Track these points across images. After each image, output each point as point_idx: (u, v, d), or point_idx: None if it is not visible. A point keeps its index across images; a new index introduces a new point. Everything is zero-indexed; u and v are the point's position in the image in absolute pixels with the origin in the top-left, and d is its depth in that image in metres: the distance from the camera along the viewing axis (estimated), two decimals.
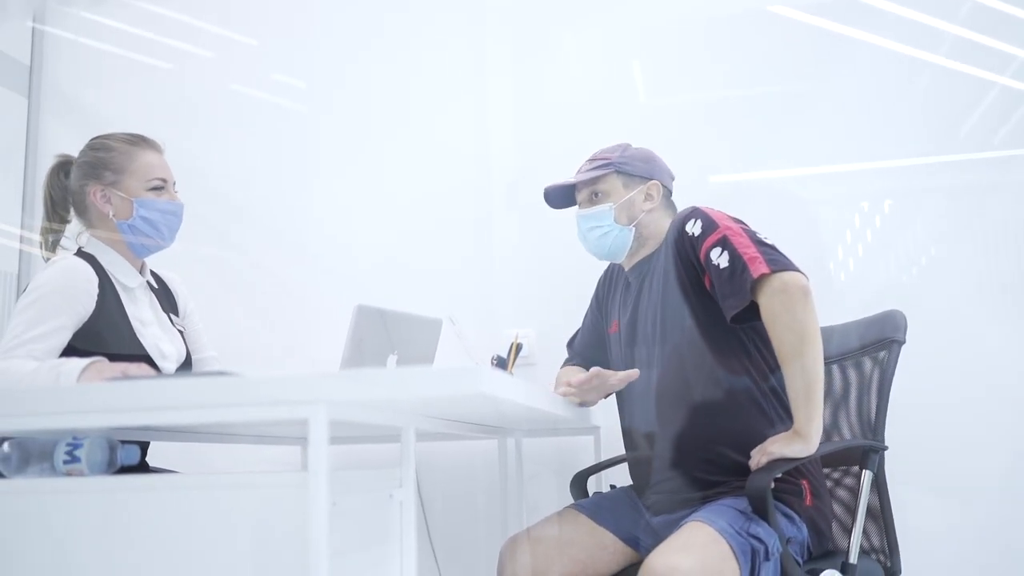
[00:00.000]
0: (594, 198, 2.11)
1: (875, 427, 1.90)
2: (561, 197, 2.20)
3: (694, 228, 1.90)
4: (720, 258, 1.82)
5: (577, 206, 2.17)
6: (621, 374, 1.98)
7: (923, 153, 2.69)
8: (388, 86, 3.01)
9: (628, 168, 2.10)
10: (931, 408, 2.48)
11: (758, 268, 1.76)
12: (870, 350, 1.98)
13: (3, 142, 3.11)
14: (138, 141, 2.06)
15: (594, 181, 2.11)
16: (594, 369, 1.97)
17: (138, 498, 1.24)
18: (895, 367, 1.90)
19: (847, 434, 2.01)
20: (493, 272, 2.83)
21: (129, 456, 1.47)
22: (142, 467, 1.99)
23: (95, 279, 1.93)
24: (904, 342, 1.91)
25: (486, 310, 2.76)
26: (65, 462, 1.42)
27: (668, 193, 2.15)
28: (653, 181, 2.10)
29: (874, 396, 1.93)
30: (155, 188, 2.03)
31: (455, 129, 2.94)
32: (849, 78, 2.72)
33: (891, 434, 1.90)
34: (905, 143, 2.70)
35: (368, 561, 1.36)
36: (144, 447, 2.03)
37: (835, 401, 2.06)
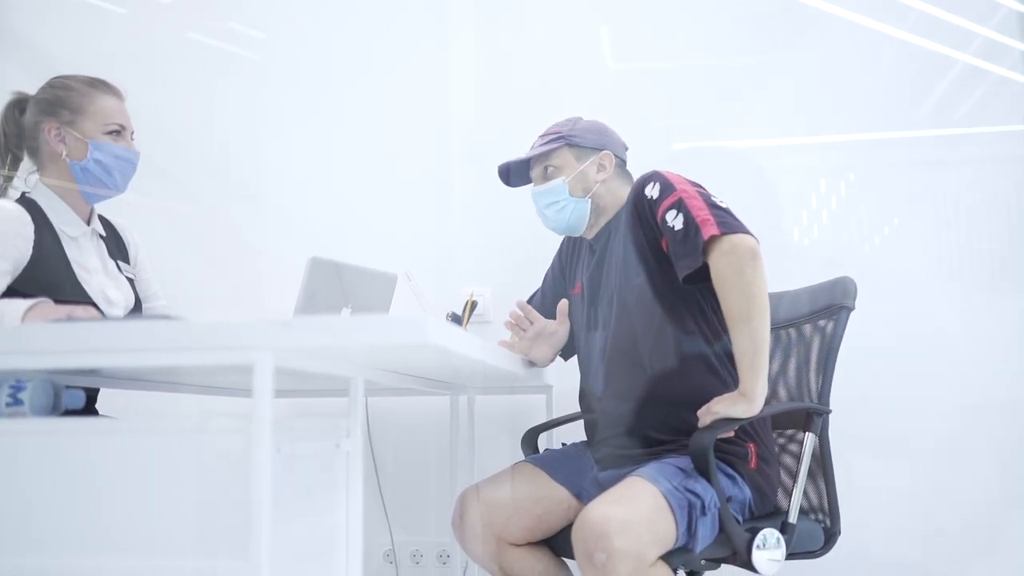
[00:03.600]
0: (547, 173, 2.13)
1: (821, 391, 1.93)
2: (517, 176, 2.22)
3: (652, 191, 1.91)
4: (675, 220, 1.84)
5: (532, 183, 2.18)
6: (553, 321, 2.03)
7: (886, 127, 2.71)
8: (349, 39, 2.96)
9: (579, 140, 2.11)
10: (878, 374, 2.54)
11: (709, 230, 1.78)
12: (819, 315, 2.00)
13: None
14: (99, 84, 2.02)
15: (546, 156, 2.13)
16: (520, 302, 2.02)
17: (81, 441, 1.22)
18: (843, 333, 1.93)
19: (795, 397, 2.04)
20: (451, 229, 2.82)
21: (73, 400, 1.45)
22: (90, 413, 1.98)
23: (30, 224, 1.88)
24: (853, 308, 1.94)
25: (443, 267, 2.76)
26: (8, 404, 1.39)
27: (621, 163, 2.15)
28: (605, 151, 2.11)
29: (821, 361, 1.96)
30: (112, 132, 1.99)
31: (417, 85, 2.91)
32: (815, 51, 2.73)
33: (838, 399, 1.93)
34: (868, 117, 2.72)
35: (313, 509, 1.36)
36: (93, 394, 2.01)
37: (782, 365, 2.09)
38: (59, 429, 1.26)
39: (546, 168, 2.13)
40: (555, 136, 2.12)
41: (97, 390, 2.01)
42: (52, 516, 1.19)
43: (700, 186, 1.92)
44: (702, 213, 1.81)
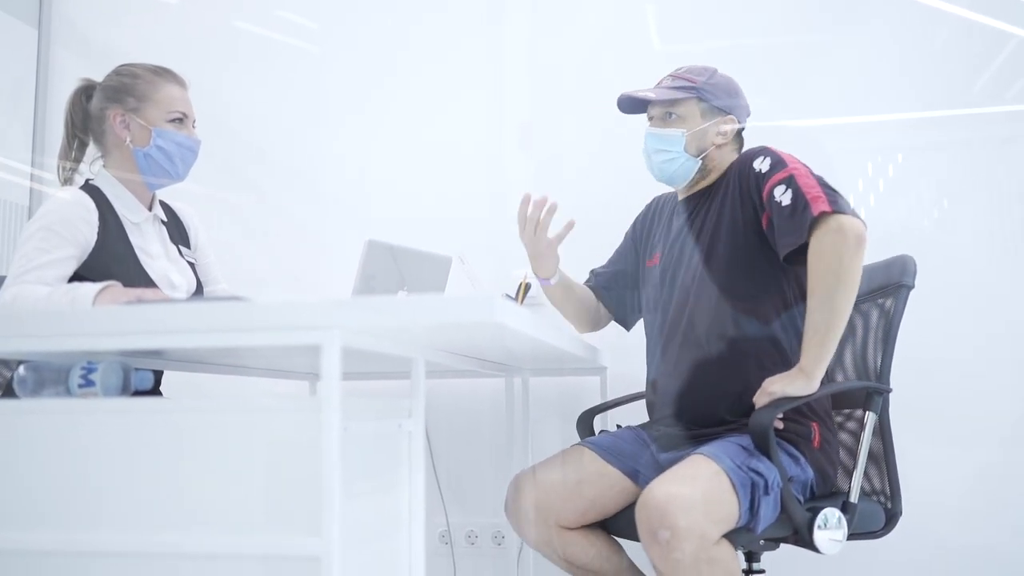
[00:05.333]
0: (668, 118, 2.04)
1: (881, 370, 1.90)
2: (633, 104, 2.09)
3: (762, 165, 1.88)
4: (783, 195, 1.81)
5: (648, 119, 2.09)
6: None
7: (939, 106, 2.67)
8: (400, 24, 2.98)
9: (711, 97, 2.02)
10: (938, 354, 2.50)
11: (819, 206, 1.75)
12: (878, 294, 1.98)
13: (15, 72, 3.08)
14: (163, 73, 2.06)
15: (673, 102, 2.03)
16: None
17: (151, 420, 1.23)
18: (903, 311, 1.90)
19: (852, 377, 2.02)
20: (504, 212, 2.81)
21: (142, 381, 1.48)
22: (156, 395, 2.01)
23: (95, 211, 1.92)
24: (913, 287, 1.91)
25: (495, 250, 2.75)
26: (80, 386, 1.42)
27: (740, 131, 2.08)
28: (730, 116, 2.04)
29: (880, 339, 1.93)
30: (175, 120, 2.02)
31: (468, 68, 2.92)
32: (866, 28, 2.70)
33: (897, 379, 1.91)
34: (921, 95, 2.68)
35: (377, 487, 1.37)
36: (157, 377, 2.05)
37: (841, 344, 2.06)
38: (131, 409, 1.27)
39: (669, 113, 2.03)
40: (689, 84, 2.02)
41: (161, 373, 2.05)
42: (125, 495, 1.21)
43: (809, 167, 1.89)
44: (814, 191, 1.78)
